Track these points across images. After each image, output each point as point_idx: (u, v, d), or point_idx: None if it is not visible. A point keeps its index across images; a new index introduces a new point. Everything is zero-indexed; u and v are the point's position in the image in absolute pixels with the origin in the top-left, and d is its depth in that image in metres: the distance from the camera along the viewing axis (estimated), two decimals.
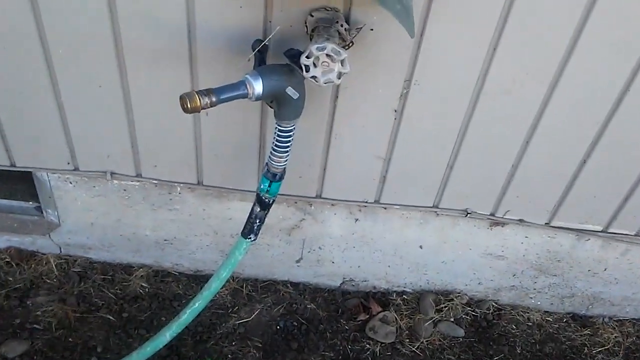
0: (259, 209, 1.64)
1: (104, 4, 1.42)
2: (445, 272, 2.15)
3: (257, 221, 1.65)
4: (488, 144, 1.68)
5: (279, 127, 1.48)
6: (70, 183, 1.91)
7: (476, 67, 1.50)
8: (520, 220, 1.90)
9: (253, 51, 1.41)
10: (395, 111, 1.61)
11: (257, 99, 1.36)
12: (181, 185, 1.87)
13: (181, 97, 1.27)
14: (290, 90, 1.39)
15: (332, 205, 1.93)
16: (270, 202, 1.62)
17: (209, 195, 1.92)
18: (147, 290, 2.13)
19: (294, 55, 1.41)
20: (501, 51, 1.46)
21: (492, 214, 1.89)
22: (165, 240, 2.09)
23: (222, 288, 1.94)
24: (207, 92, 1.28)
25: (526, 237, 1.98)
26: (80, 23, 1.47)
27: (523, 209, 1.86)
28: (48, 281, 2.11)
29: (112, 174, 1.83)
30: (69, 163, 1.82)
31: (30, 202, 2.07)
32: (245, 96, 1.34)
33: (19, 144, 1.77)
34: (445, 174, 1.78)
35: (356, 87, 1.56)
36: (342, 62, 1.32)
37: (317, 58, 1.32)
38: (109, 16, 1.44)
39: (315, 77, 1.34)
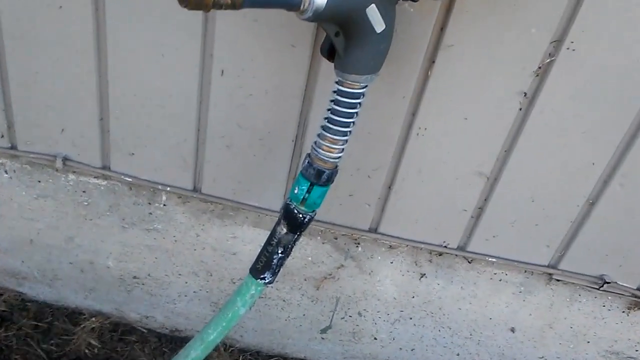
0: (285, 230, 0.98)
1: None
2: None
3: (280, 251, 1.00)
4: None
5: (341, 88, 0.87)
6: (6, 172, 1.28)
7: None
8: None
9: None
10: (525, 95, 1.00)
11: (315, 15, 0.75)
12: (169, 190, 1.24)
13: None
14: (373, 13, 0.79)
15: (390, 247, 1.27)
16: (306, 219, 0.97)
17: (207, 213, 1.27)
18: (96, 351, 1.43)
19: None
20: None
21: None
22: (134, 277, 1.42)
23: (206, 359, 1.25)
24: None
25: None
26: None
27: None
28: None
29: (65, 160, 1.21)
30: (2, 136, 1.20)
31: None
32: (295, 4, 0.74)
33: None
34: (582, 212, 1.13)
35: (466, 48, 0.96)
36: None
37: None
38: None
39: None
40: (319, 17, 0.77)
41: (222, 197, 1.22)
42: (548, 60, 0.95)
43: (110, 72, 1.07)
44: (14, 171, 1.27)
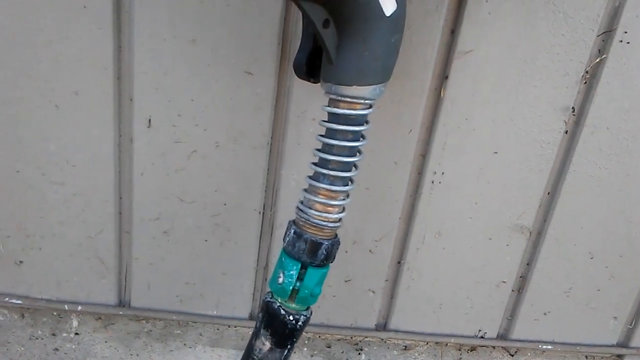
0: (268, 345, 0.63)
1: None
2: None
3: None
4: None
5: (336, 109, 0.57)
6: None
7: None
8: None
9: None
10: (573, 111, 0.74)
11: None
12: (80, 310, 0.85)
13: None
14: None
15: (405, 348, 0.92)
16: (299, 323, 0.62)
17: (142, 336, 0.88)
18: None
19: None
20: None
21: None
22: None
23: None
24: None
25: None
26: None
27: None
28: None
29: None
30: None
31: None
32: None
33: None
34: None
35: (489, 53, 0.70)
36: None
37: None
38: None
39: None
40: None
41: (162, 310, 0.84)
42: (597, 60, 0.71)
43: None
44: None
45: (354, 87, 0.56)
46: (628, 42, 0.70)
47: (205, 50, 0.68)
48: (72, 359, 0.90)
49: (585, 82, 0.72)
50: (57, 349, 0.90)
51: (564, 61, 0.71)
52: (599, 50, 0.70)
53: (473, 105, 0.73)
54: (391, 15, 0.53)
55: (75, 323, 0.88)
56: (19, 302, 0.82)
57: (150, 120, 0.71)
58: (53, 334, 0.89)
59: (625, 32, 0.69)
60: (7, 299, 0.82)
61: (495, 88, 0.72)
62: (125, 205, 0.77)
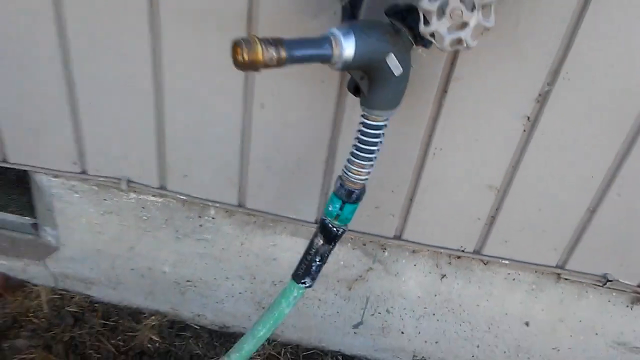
0: (321, 242, 1.15)
1: None
2: None
3: (317, 259, 1.16)
4: None
5: (366, 121, 1.02)
6: (76, 193, 1.48)
7: None
8: None
9: (342, 1, 0.99)
10: (528, 119, 1.14)
11: (344, 66, 0.91)
12: (217, 206, 1.42)
13: (235, 44, 0.83)
14: (391, 60, 0.94)
15: (414, 252, 1.43)
16: (340, 232, 1.13)
17: (250, 224, 1.45)
18: (157, 345, 1.63)
19: (401, 12, 0.98)
20: None
21: None
22: (187, 281, 1.61)
23: (255, 353, 1.42)
24: (275, 43, 0.84)
25: None
26: None
27: None
28: (35, 320, 1.64)
29: (129, 182, 1.40)
30: (75, 163, 1.40)
31: (27, 217, 1.64)
32: (327, 58, 0.90)
33: (15, 131, 1.37)
34: (584, 219, 1.26)
35: (475, 79, 1.10)
36: (484, 9, 0.87)
37: (446, 3, 0.87)
38: None
39: (437, 34, 0.89)
40: (347, 67, 0.92)
41: (263, 211, 1.39)
42: (547, 89, 1.09)
43: (167, 110, 1.25)
44: (84, 191, 1.47)
45: (377, 110, 1.01)
46: (569, 79, 1.07)
47: (295, 65, 1.13)
48: (210, 232, 1.49)
49: (538, 102, 1.11)
50: (201, 225, 1.49)
51: (523, 88, 1.09)
52: (548, 83, 1.08)
53: (462, 110, 1.14)
54: (399, 75, 0.96)
55: (212, 212, 1.46)
56: (182, 197, 1.40)
57: (263, 105, 1.20)
58: (199, 217, 1.47)
59: (567, 72, 1.06)
60: (176, 195, 1.40)
61: (477, 101, 1.13)
62: (245, 150, 1.29)
